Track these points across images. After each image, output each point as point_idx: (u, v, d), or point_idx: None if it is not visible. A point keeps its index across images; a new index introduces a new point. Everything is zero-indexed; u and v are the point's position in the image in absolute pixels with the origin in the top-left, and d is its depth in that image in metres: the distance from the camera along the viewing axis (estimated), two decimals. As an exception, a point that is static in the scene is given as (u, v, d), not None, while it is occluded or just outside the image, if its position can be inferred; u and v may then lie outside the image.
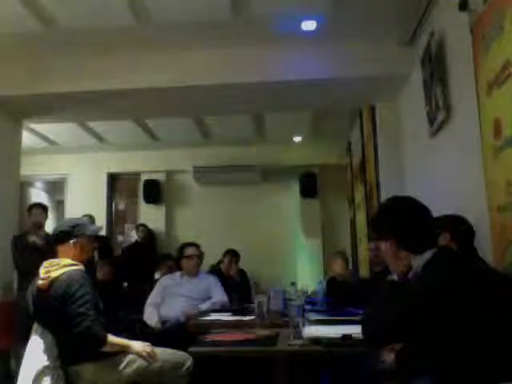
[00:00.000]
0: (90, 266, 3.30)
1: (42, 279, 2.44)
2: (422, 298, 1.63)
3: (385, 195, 4.56)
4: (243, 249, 6.22)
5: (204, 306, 3.92)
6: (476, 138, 2.77)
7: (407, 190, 4.43)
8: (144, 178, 8.06)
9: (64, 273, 2.44)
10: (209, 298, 4.08)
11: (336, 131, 6.95)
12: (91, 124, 6.61)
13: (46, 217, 5.08)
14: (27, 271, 3.88)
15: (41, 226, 4.96)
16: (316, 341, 2.24)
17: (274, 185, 7.98)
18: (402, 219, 1.88)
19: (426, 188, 3.92)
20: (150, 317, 3.92)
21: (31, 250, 4.58)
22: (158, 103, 5.10)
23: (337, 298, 3.83)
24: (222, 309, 3.86)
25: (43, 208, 5.06)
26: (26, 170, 5.84)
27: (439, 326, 1.57)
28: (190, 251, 4.23)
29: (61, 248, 2.59)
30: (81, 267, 2.53)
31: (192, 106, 5.32)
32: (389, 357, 1.72)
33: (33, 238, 4.77)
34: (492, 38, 2.52)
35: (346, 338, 2.20)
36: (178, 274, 4.28)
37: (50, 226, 5.01)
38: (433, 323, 1.58)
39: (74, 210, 7.40)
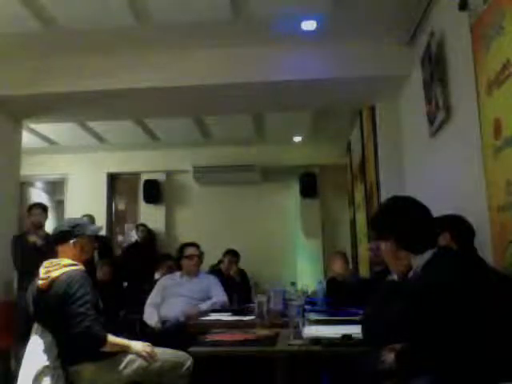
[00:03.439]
0: (90, 266, 3.31)
1: (42, 279, 2.44)
2: (422, 297, 1.63)
3: (385, 195, 4.56)
4: (243, 249, 6.22)
5: (204, 306, 3.92)
6: (476, 138, 2.77)
7: (407, 190, 4.43)
8: (144, 177, 8.06)
9: (64, 273, 2.44)
10: (209, 298, 4.07)
11: (336, 131, 6.95)
12: (91, 124, 6.61)
13: (46, 217, 5.09)
14: (27, 271, 3.88)
15: (41, 226, 4.97)
16: (316, 341, 2.24)
17: (273, 185, 7.98)
18: (402, 219, 1.88)
19: (426, 188, 3.92)
20: (150, 317, 3.92)
21: (31, 250, 4.58)
22: (158, 103, 5.09)
23: (337, 298, 3.83)
24: (221, 309, 3.86)
25: (43, 208, 5.07)
26: (26, 169, 5.84)
27: (439, 325, 1.57)
28: (190, 251, 4.23)
29: (61, 248, 2.59)
30: (81, 267, 2.53)
31: (192, 106, 5.32)
32: (389, 357, 1.72)
33: (33, 238, 4.77)
34: (492, 38, 2.52)
35: (346, 337, 2.20)
36: (177, 274, 4.28)
37: (50, 226, 5.01)
38: (433, 323, 1.58)
39: (74, 210, 7.39)
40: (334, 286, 4.38)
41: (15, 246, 4.74)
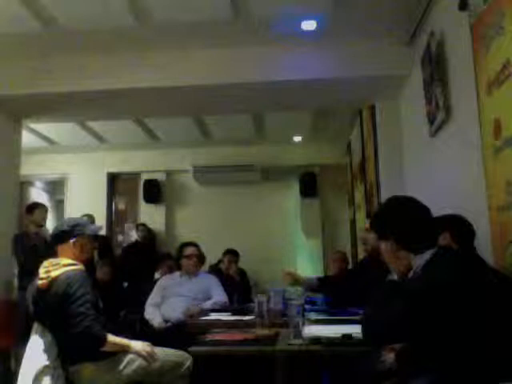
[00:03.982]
0: (89, 265, 3.31)
1: (42, 279, 2.44)
2: (422, 297, 1.63)
3: (385, 195, 4.56)
4: (243, 248, 6.22)
5: (205, 305, 3.91)
6: (476, 138, 2.77)
7: (407, 190, 4.43)
8: (144, 177, 8.07)
9: (64, 272, 2.44)
10: (209, 297, 4.07)
11: (336, 131, 6.96)
12: (91, 123, 6.61)
13: (47, 216, 5.12)
14: (28, 270, 3.89)
15: (42, 225, 4.99)
16: (316, 340, 2.24)
17: (274, 184, 7.98)
18: (402, 219, 1.88)
19: (425, 188, 3.92)
20: (153, 317, 3.92)
21: (33, 250, 4.59)
22: (158, 103, 5.09)
23: (333, 298, 3.83)
24: (221, 308, 3.86)
25: (44, 208, 5.09)
26: (26, 169, 5.84)
27: (439, 325, 1.57)
28: (189, 251, 4.23)
29: (60, 247, 2.59)
30: (81, 267, 2.53)
31: (192, 106, 5.32)
32: (389, 357, 1.72)
33: (34, 238, 4.78)
34: (492, 38, 2.52)
35: (346, 337, 2.20)
36: (177, 273, 4.28)
37: (50, 226, 5.02)
38: (433, 323, 1.58)
39: (74, 209, 7.40)
40: (329, 285, 4.39)
41: (16, 244, 4.75)
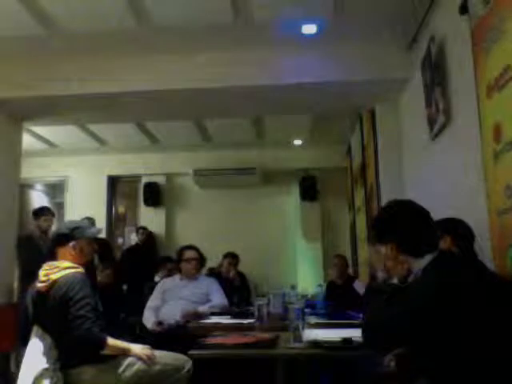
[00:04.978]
0: (90, 268, 3.31)
1: (42, 282, 2.44)
2: (421, 300, 1.63)
3: (385, 199, 4.56)
4: (243, 251, 6.21)
5: (201, 308, 3.91)
6: (476, 142, 2.77)
7: (407, 194, 4.43)
8: (144, 180, 8.07)
9: (64, 275, 2.43)
10: (208, 300, 4.07)
11: (336, 134, 6.96)
12: (91, 126, 6.62)
13: (52, 223, 5.14)
14: (31, 272, 3.89)
15: (47, 231, 5.00)
16: (316, 344, 2.24)
17: (274, 188, 7.99)
18: (402, 223, 1.88)
19: (425, 191, 3.92)
20: (147, 320, 3.91)
21: (37, 254, 4.59)
22: (159, 106, 5.10)
23: (335, 301, 3.83)
24: (221, 312, 3.85)
25: (50, 215, 5.11)
26: (26, 172, 5.84)
27: (439, 329, 1.57)
28: (188, 254, 4.22)
29: (60, 250, 2.59)
30: (81, 270, 2.53)
31: (192, 109, 5.33)
32: (389, 360, 1.71)
33: (38, 241, 4.80)
34: (493, 42, 2.52)
35: (346, 341, 2.20)
36: (177, 276, 4.27)
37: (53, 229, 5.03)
38: (432, 327, 1.58)
39: (74, 212, 7.39)
40: (332, 289, 4.38)
41: (19, 247, 4.75)
